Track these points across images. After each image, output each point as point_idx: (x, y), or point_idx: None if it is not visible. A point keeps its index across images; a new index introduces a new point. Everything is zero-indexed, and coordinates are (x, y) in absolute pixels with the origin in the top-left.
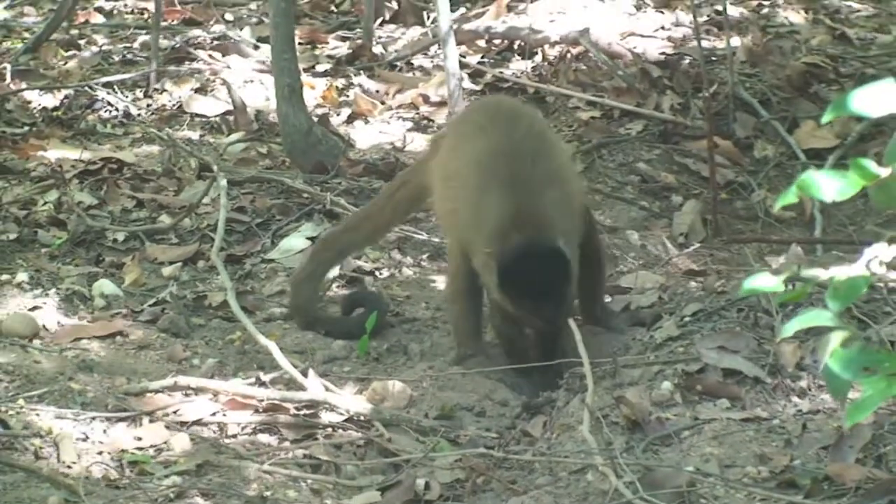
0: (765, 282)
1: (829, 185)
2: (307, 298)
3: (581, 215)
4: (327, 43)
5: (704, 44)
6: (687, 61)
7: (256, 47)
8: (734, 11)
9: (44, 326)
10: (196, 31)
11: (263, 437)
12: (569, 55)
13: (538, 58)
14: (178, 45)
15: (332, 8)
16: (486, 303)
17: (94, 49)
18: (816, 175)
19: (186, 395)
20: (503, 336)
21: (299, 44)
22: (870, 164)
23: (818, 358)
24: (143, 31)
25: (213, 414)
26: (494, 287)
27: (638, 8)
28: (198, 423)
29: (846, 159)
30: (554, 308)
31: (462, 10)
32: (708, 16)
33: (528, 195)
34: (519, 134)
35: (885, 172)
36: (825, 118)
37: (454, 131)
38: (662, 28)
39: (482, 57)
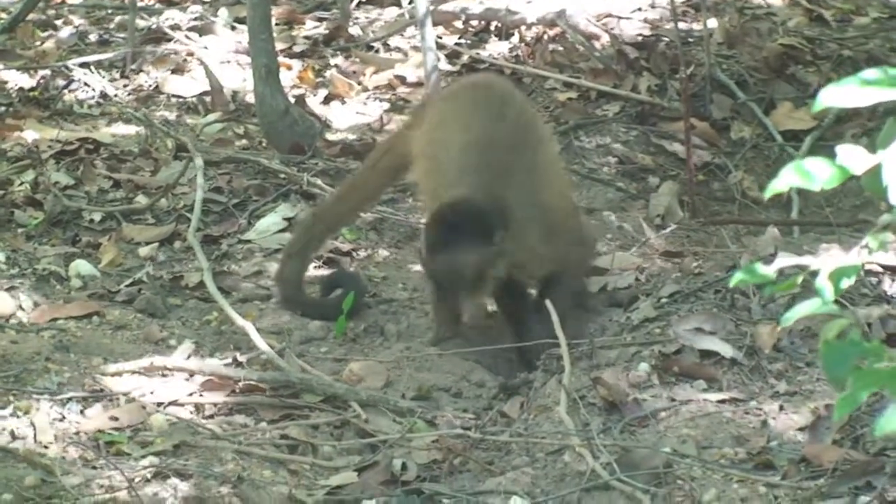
0: (754, 274)
1: (819, 174)
2: (292, 272)
3: (560, 210)
4: (304, 24)
5: (681, 25)
6: (664, 43)
7: (233, 28)
8: None
9: (20, 306)
10: (173, 12)
11: (240, 418)
12: (545, 36)
13: (515, 39)
14: (154, 26)
15: None
16: None
17: (71, 29)
18: (806, 163)
19: (163, 375)
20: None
21: (276, 24)
22: (858, 153)
23: (794, 341)
24: (120, 12)
25: (190, 394)
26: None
27: None
28: (174, 403)
29: (823, 141)
30: (444, 262)
31: None
32: None
33: (491, 180)
34: (505, 124)
35: (876, 159)
36: (814, 109)
37: (442, 107)
38: (639, 9)
39: (459, 38)
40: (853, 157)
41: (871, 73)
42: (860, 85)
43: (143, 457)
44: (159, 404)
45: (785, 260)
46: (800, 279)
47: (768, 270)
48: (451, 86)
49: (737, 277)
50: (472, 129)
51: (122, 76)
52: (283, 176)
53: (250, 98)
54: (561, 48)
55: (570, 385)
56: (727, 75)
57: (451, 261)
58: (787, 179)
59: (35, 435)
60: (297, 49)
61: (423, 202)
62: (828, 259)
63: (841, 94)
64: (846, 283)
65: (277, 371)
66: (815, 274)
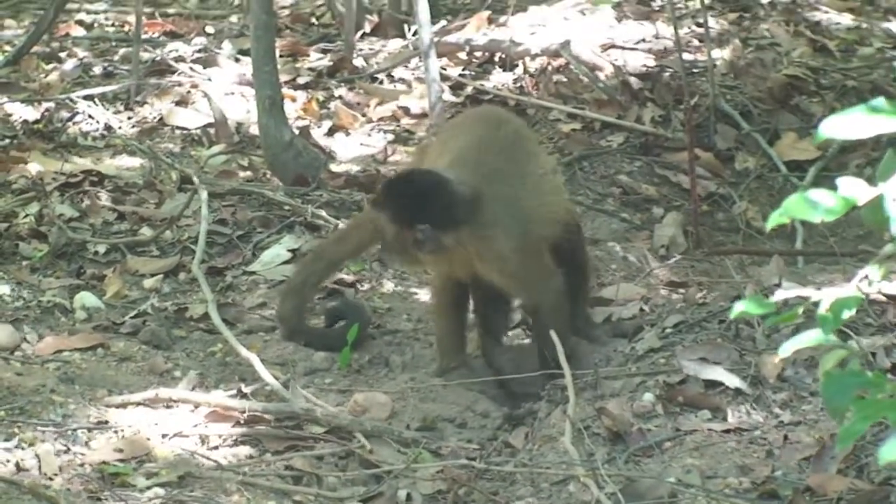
0: (756, 305)
1: (819, 207)
2: (292, 309)
3: (549, 223)
4: (308, 55)
5: (685, 56)
6: (668, 73)
7: (237, 60)
8: (715, 24)
9: (25, 339)
10: (177, 44)
11: (245, 449)
12: (550, 67)
13: (519, 70)
14: (159, 58)
15: (313, 20)
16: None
17: (75, 62)
18: (806, 196)
19: (168, 407)
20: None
21: (280, 56)
22: (860, 185)
23: (799, 370)
24: (124, 44)
25: (195, 426)
26: None
27: (619, 20)
28: (179, 435)
29: (827, 171)
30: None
31: (443, 22)
32: (689, 28)
33: (474, 178)
34: (497, 134)
35: (875, 192)
36: (815, 140)
37: (441, 138)
38: (643, 40)
39: (463, 69)
40: (854, 189)
41: (875, 103)
42: (865, 112)
43: (148, 488)
44: (164, 436)
45: (786, 291)
46: (800, 310)
47: (767, 302)
48: (452, 118)
49: (738, 309)
50: (466, 138)
51: (127, 108)
52: (287, 208)
53: (254, 130)
54: (565, 79)
55: (574, 415)
56: (731, 106)
57: (380, 218)
58: (788, 211)
59: (40, 467)
60: (301, 81)
61: None
62: (830, 290)
63: (842, 126)
64: (847, 314)
65: (282, 402)
66: (818, 304)
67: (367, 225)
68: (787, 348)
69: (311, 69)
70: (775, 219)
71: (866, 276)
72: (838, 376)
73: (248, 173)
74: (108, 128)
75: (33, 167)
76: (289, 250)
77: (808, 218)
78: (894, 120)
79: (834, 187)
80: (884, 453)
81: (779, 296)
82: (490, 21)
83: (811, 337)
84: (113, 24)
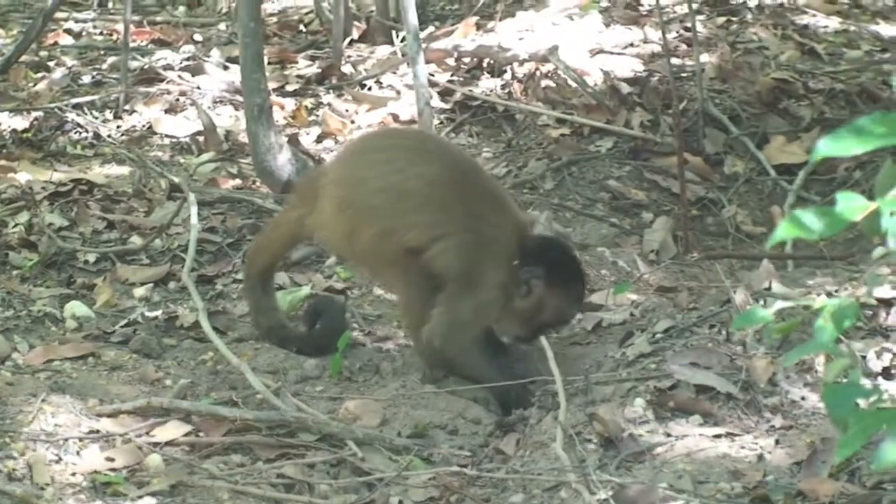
0: (755, 317)
1: (817, 223)
2: (271, 321)
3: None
4: (296, 62)
5: (674, 60)
6: (656, 78)
7: (226, 67)
8: (703, 28)
9: (15, 348)
10: (165, 52)
11: (236, 457)
12: (538, 73)
13: (507, 76)
14: (147, 66)
15: (301, 27)
16: None
17: (64, 71)
18: (805, 214)
19: (159, 415)
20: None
21: (268, 63)
22: (857, 199)
23: (790, 375)
24: (113, 53)
25: (186, 434)
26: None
27: (607, 25)
28: (171, 443)
29: (816, 175)
30: None
31: (431, 28)
32: (677, 32)
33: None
34: (459, 158)
35: (872, 206)
36: (813, 158)
37: (351, 162)
38: (631, 45)
39: (451, 75)
40: (851, 205)
41: (861, 123)
42: (854, 133)
43: (140, 497)
44: (155, 444)
45: (784, 301)
46: (801, 319)
47: (766, 312)
48: (343, 149)
49: (737, 322)
50: (419, 164)
51: (116, 117)
52: (276, 215)
53: (243, 137)
54: (553, 84)
55: (565, 421)
56: (720, 110)
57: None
58: (786, 232)
59: (32, 477)
60: (289, 88)
61: (381, 259)
62: (828, 299)
63: (838, 145)
64: (847, 324)
65: (273, 410)
66: (817, 310)
67: (266, 246)
68: (791, 358)
69: (299, 76)
70: (774, 239)
71: (863, 282)
72: (839, 387)
73: (238, 181)
74: (96, 136)
75: (22, 176)
76: None
77: (806, 237)
78: (887, 139)
79: (824, 191)
80: (878, 459)
81: (775, 307)
82: (478, 27)
83: (812, 346)
84: (101, 33)
